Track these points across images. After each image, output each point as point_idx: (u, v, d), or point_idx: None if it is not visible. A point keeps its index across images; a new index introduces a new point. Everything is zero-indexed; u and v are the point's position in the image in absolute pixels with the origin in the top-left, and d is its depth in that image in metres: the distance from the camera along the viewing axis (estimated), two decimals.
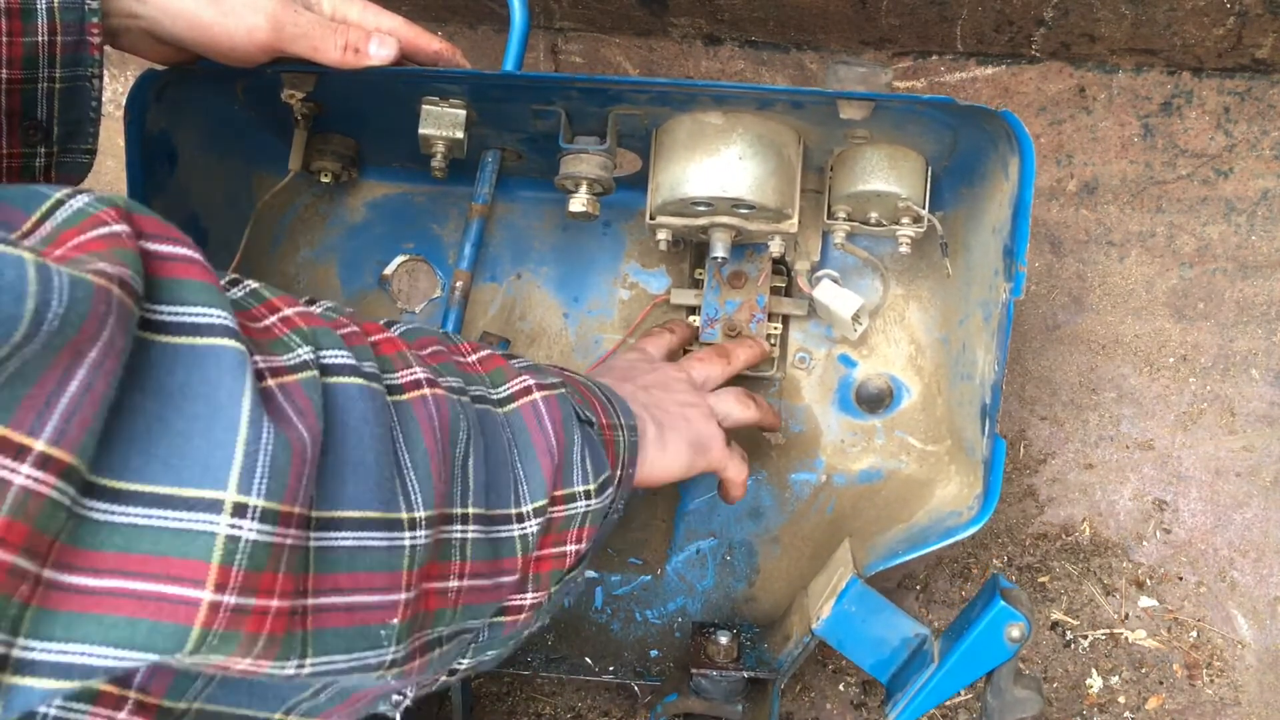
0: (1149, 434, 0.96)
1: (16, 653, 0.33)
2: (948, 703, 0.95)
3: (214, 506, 0.35)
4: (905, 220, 0.79)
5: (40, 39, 0.59)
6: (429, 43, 0.72)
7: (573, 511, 0.55)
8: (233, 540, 0.35)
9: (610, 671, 0.89)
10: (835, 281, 0.85)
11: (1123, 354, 0.97)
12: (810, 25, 0.95)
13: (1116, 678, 0.95)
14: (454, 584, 0.48)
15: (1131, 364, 0.97)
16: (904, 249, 0.80)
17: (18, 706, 0.34)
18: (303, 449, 0.38)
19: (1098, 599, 0.96)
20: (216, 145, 0.82)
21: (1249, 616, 0.94)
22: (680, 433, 0.70)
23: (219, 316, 0.37)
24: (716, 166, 0.73)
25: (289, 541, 0.38)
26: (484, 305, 0.92)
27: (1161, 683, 0.94)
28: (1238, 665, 0.94)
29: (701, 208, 0.76)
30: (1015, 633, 0.68)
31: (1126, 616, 0.95)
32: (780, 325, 0.88)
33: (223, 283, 0.42)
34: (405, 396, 0.46)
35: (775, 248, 0.79)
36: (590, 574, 0.92)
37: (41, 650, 0.33)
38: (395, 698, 0.52)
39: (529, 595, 0.54)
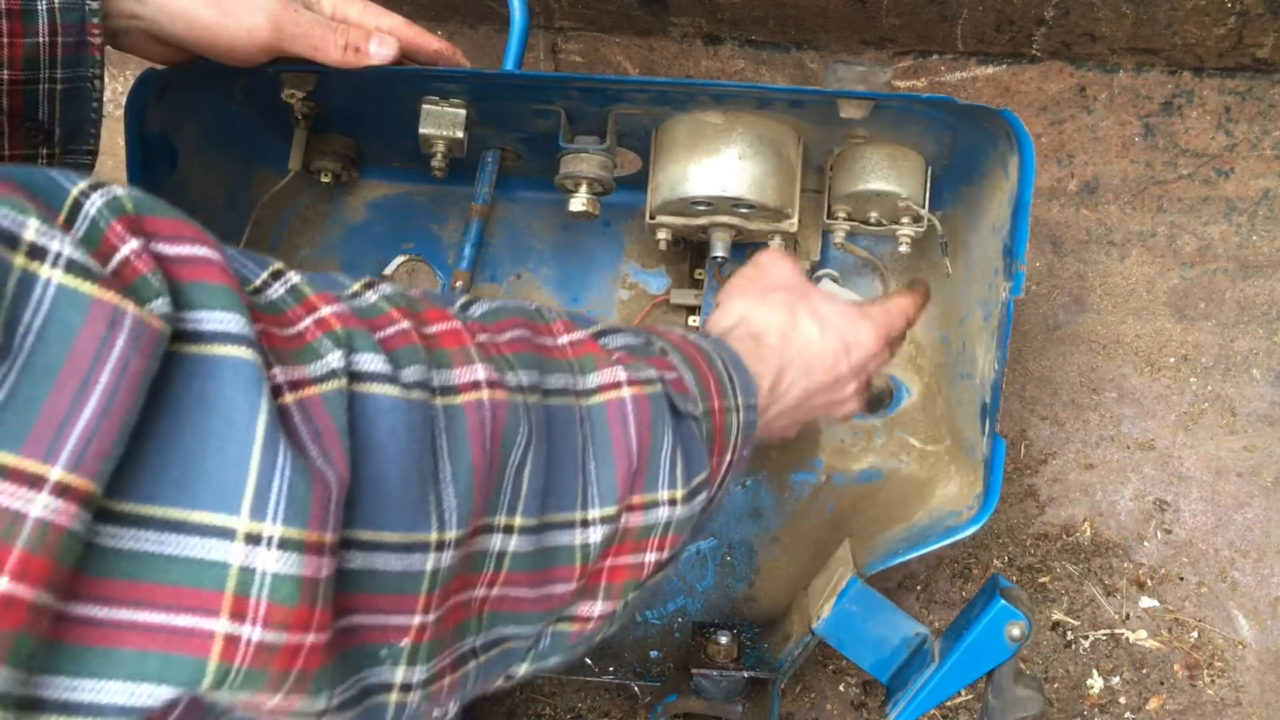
0: (1150, 434, 0.96)
1: (31, 691, 0.31)
2: (948, 703, 0.94)
3: (226, 534, 0.33)
4: (905, 220, 0.79)
5: (41, 40, 0.59)
6: (429, 42, 0.72)
7: (653, 520, 0.50)
8: (247, 571, 0.33)
9: (610, 672, 0.89)
10: (835, 281, 0.85)
11: (1123, 354, 0.97)
12: (810, 24, 0.95)
13: (1117, 678, 0.94)
14: (480, 593, 0.45)
15: (1132, 364, 0.97)
16: (904, 248, 0.80)
17: None
18: (322, 476, 0.36)
19: (1098, 599, 0.95)
20: (216, 145, 0.82)
21: (1250, 617, 0.94)
22: (812, 414, 0.67)
23: (236, 323, 0.35)
24: (716, 166, 0.73)
25: (324, 573, 0.35)
26: None
27: (1162, 683, 0.94)
28: (1238, 665, 0.94)
29: (701, 207, 0.76)
30: (1016, 632, 0.68)
31: (1127, 617, 0.95)
32: None
33: (265, 274, 0.40)
34: (459, 400, 0.43)
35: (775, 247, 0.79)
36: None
37: (52, 687, 0.32)
38: (436, 713, 0.48)
39: (599, 604, 0.51)
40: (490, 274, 0.92)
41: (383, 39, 0.68)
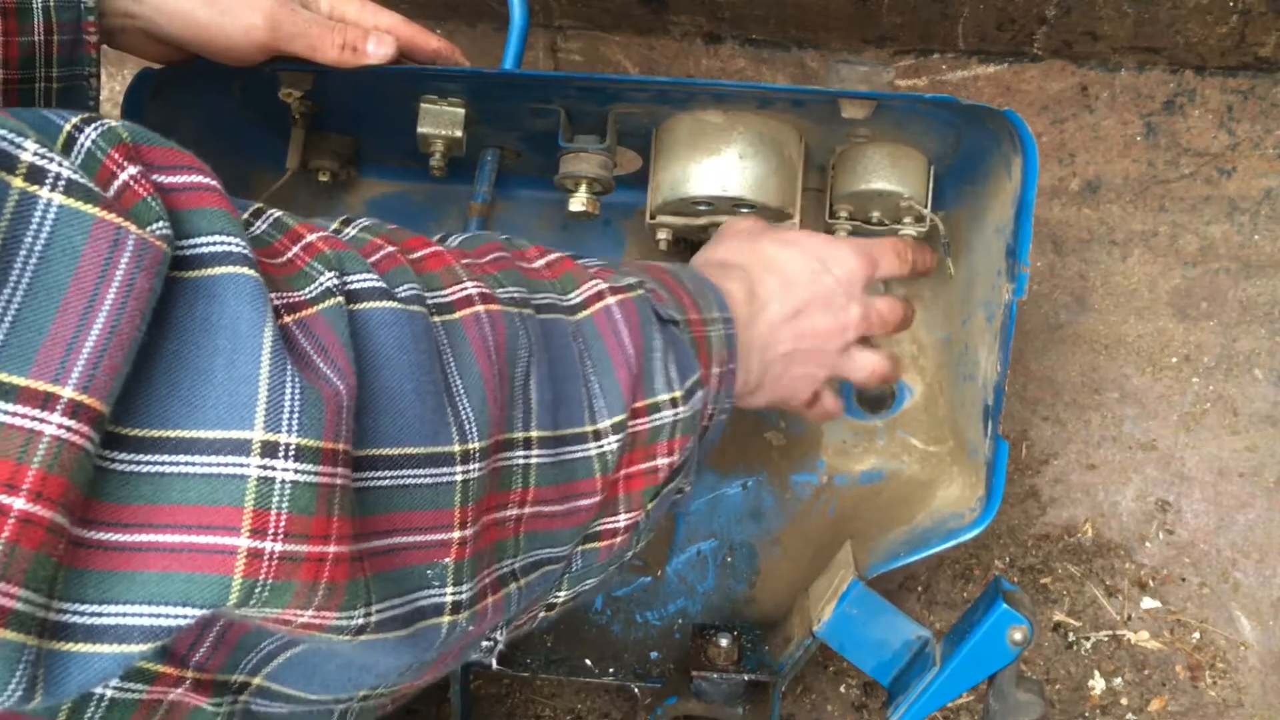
0: (1152, 434, 0.96)
1: (54, 616, 0.31)
2: (950, 705, 0.94)
3: (242, 448, 0.33)
4: (907, 220, 0.79)
5: (36, 39, 0.59)
6: (427, 41, 0.71)
7: (659, 422, 0.50)
8: (266, 482, 0.33)
9: (610, 673, 0.89)
10: None
11: (1125, 354, 0.97)
12: (811, 23, 0.95)
13: (1119, 679, 0.94)
14: (513, 512, 0.45)
15: (1134, 364, 0.97)
16: None
17: (69, 684, 0.31)
18: (333, 390, 0.35)
19: (1100, 600, 0.95)
20: (214, 144, 0.82)
21: (1252, 618, 0.94)
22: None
23: (236, 244, 0.35)
24: (717, 165, 0.73)
25: (339, 481, 0.35)
26: None
27: (1164, 684, 0.94)
28: (1241, 667, 0.93)
29: (702, 207, 0.76)
30: (1018, 635, 0.67)
31: (1129, 618, 0.95)
32: None
33: (247, 214, 0.41)
34: (455, 315, 0.43)
35: None
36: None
37: (75, 614, 0.31)
38: (485, 644, 0.48)
39: (621, 516, 0.50)
40: None
41: (380, 38, 0.68)
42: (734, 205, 0.75)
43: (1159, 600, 0.95)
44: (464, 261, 0.46)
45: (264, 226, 0.41)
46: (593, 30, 1.00)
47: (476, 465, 0.41)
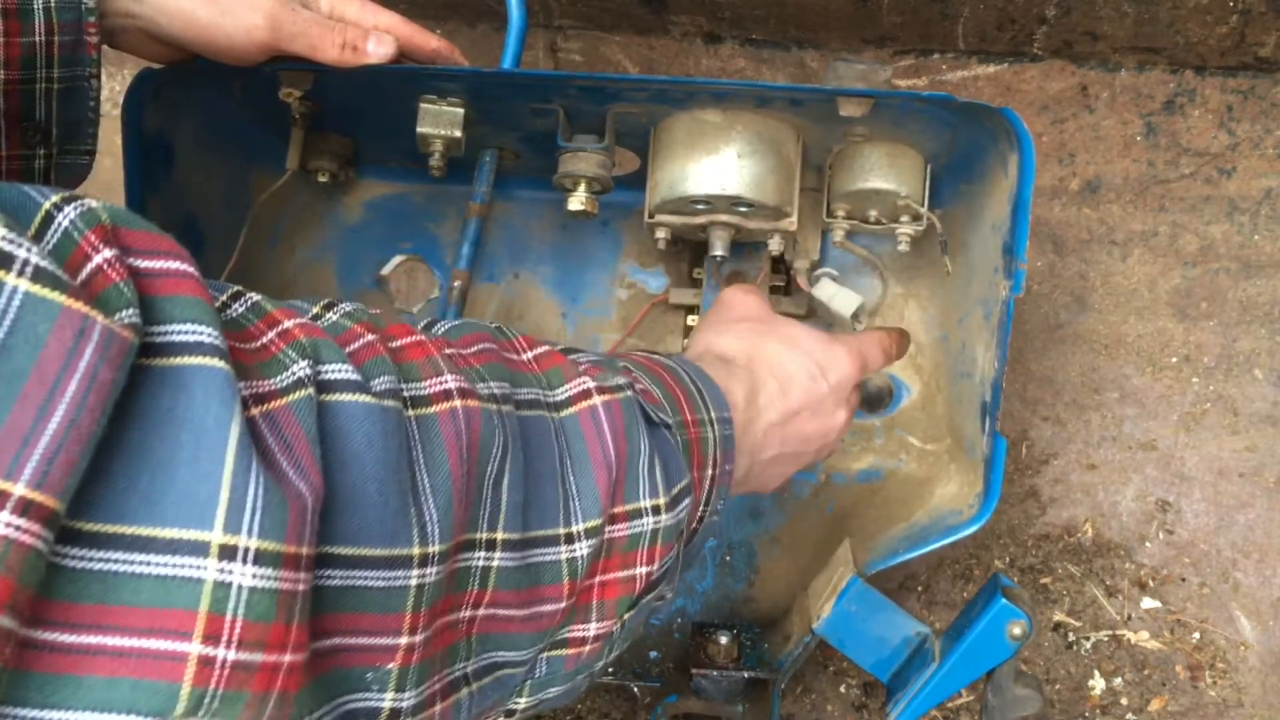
0: (1152, 434, 0.96)
1: None
2: (949, 704, 0.94)
3: (199, 549, 0.32)
4: (904, 218, 0.79)
5: (37, 39, 0.59)
6: (427, 40, 0.72)
7: (638, 530, 0.49)
8: (222, 586, 0.32)
9: (609, 673, 0.89)
10: (834, 280, 0.85)
11: (1125, 354, 0.97)
12: (811, 23, 0.95)
13: (1119, 679, 0.94)
14: (467, 614, 0.44)
15: (1134, 364, 0.97)
16: (903, 247, 0.80)
17: None
18: (299, 493, 0.34)
19: (1100, 600, 0.95)
20: (214, 144, 0.82)
21: (1252, 618, 0.94)
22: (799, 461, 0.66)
23: (208, 334, 0.34)
24: (715, 165, 0.73)
25: (301, 587, 0.34)
26: (482, 305, 0.92)
27: (1164, 684, 0.94)
28: (1241, 667, 0.93)
29: (700, 206, 0.76)
30: (1017, 630, 0.67)
31: (1129, 618, 0.95)
32: None
33: (225, 296, 0.39)
34: (431, 410, 0.41)
35: (774, 246, 0.79)
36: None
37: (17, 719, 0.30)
38: None
39: (593, 625, 0.49)
40: (488, 273, 0.92)
41: (381, 37, 0.68)
42: (732, 204, 0.75)
43: (1159, 600, 0.95)
44: (447, 352, 0.45)
45: (241, 309, 0.40)
46: (593, 30, 1.00)
47: (434, 569, 0.40)
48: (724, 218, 0.76)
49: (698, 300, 0.87)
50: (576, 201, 0.76)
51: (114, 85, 0.99)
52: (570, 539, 0.47)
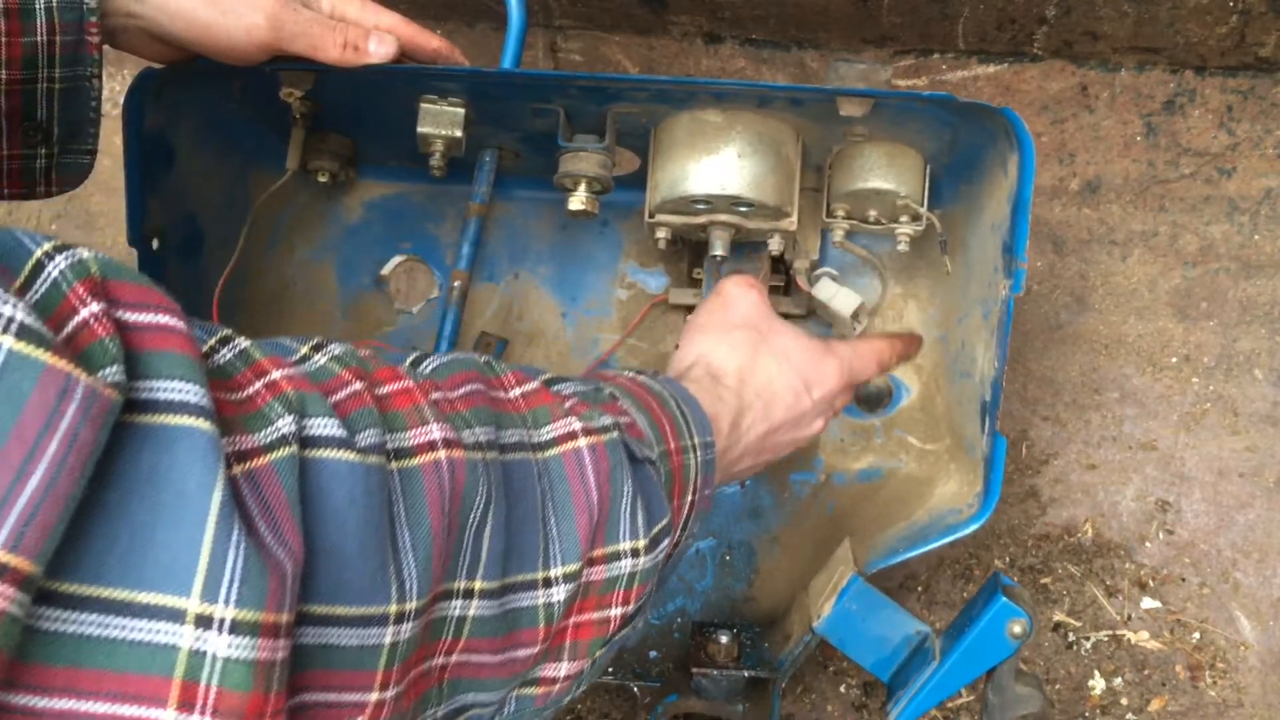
0: (1152, 434, 0.96)
1: None
2: (950, 704, 0.94)
3: (177, 615, 0.31)
4: (904, 218, 0.79)
5: (39, 39, 0.59)
6: (428, 40, 0.72)
7: (615, 573, 0.49)
8: (198, 655, 0.31)
9: (609, 673, 0.89)
10: (834, 280, 0.85)
11: (1125, 354, 0.97)
12: (811, 23, 0.95)
13: (1119, 679, 0.94)
14: (439, 661, 0.44)
15: (1134, 364, 0.97)
16: (903, 247, 0.80)
17: None
18: (279, 560, 0.34)
19: (1100, 600, 0.95)
20: (214, 144, 0.82)
21: (1252, 618, 0.94)
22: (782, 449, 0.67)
23: (195, 393, 0.33)
24: (715, 164, 0.73)
25: (280, 655, 0.34)
26: (482, 305, 0.92)
27: (1164, 684, 0.94)
28: (1241, 667, 0.93)
29: (700, 206, 0.76)
30: (1017, 629, 0.68)
31: (1129, 618, 0.95)
32: None
33: (213, 340, 0.39)
34: (415, 461, 0.41)
35: (774, 246, 0.79)
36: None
37: None
38: None
39: (565, 665, 0.49)
40: (488, 273, 0.92)
41: (382, 37, 0.68)
42: (732, 204, 0.75)
43: (1159, 600, 0.95)
44: (434, 397, 0.45)
45: (228, 356, 0.39)
46: (593, 30, 1.00)
47: (410, 624, 0.40)
48: (724, 217, 0.76)
49: (697, 300, 0.87)
50: (577, 201, 0.76)
51: (114, 85, 0.99)
52: (548, 583, 0.47)
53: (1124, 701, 0.94)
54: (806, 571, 0.85)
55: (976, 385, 0.77)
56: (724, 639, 0.82)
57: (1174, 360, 0.96)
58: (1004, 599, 0.68)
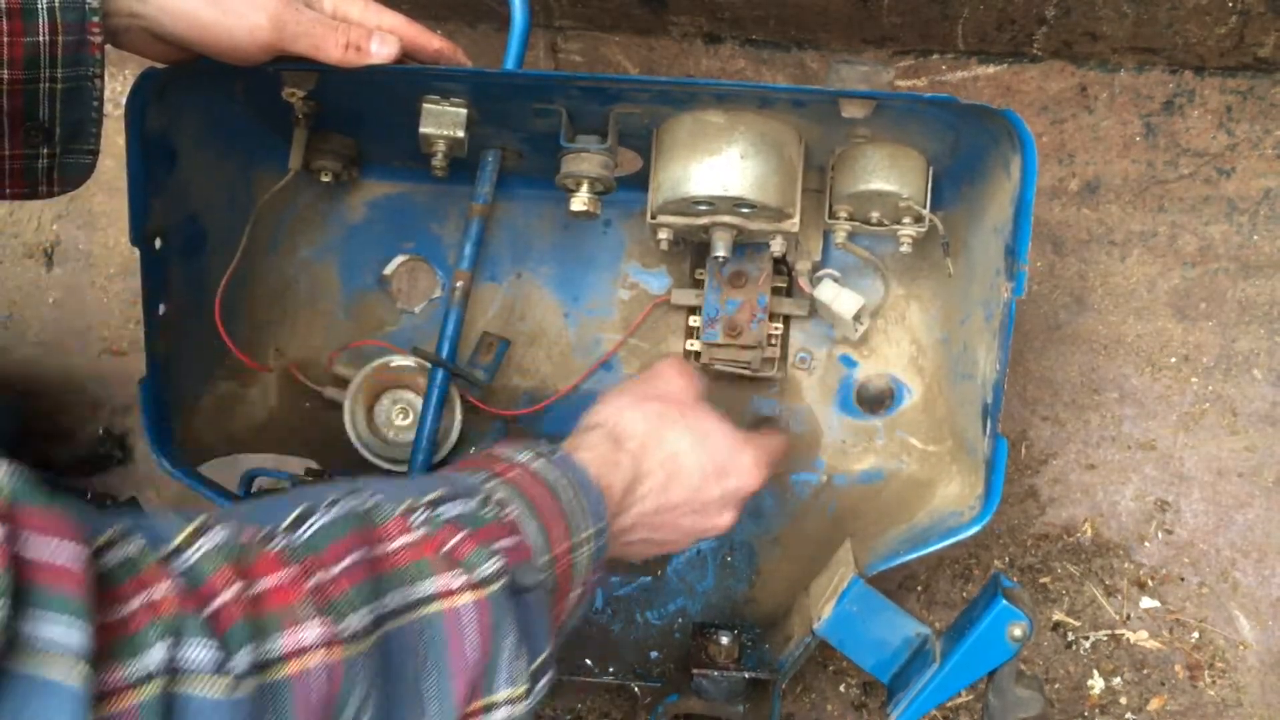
0: (1151, 434, 0.96)
1: None
2: (949, 704, 0.94)
3: None
4: (906, 219, 0.79)
5: (41, 39, 0.59)
6: (430, 41, 0.72)
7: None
8: None
9: (610, 673, 0.89)
10: (836, 281, 0.85)
11: (1124, 354, 0.97)
12: (811, 24, 0.95)
13: (1118, 679, 0.94)
14: None
15: (1133, 364, 0.97)
16: (905, 248, 0.80)
17: None
18: None
19: (1099, 600, 0.95)
20: (216, 144, 0.82)
21: (1251, 617, 0.94)
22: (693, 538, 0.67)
23: (76, 634, 0.33)
24: (718, 165, 0.73)
25: None
26: (484, 305, 0.92)
27: (1163, 684, 0.94)
28: (1240, 666, 0.94)
29: (703, 207, 0.76)
30: (1017, 631, 0.68)
31: (1128, 617, 0.95)
32: (781, 325, 0.88)
33: (104, 539, 0.39)
34: (283, 673, 0.41)
35: (776, 247, 0.79)
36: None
37: None
38: None
39: None
40: (490, 273, 0.92)
41: (384, 38, 0.68)
42: (734, 205, 0.75)
43: (1158, 600, 0.95)
44: (314, 582, 0.44)
45: (116, 561, 0.39)
46: (593, 31, 1.00)
47: None
48: (726, 219, 0.76)
49: (699, 301, 0.87)
50: (579, 202, 0.76)
51: (117, 85, 0.99)
52: None
53: (1123, 701, 0.94)
54: (807, 572, 0.85)
55: (978, 387, 0.77)
56: (725, 640, 0.82)
57: (1173, 360, 0.97)
58: (1004, 602, 0.68)
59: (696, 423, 0.67)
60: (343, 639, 0.43)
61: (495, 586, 0.50)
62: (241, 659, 0.39)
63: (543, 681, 0.52)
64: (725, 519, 0.68)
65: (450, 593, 0.48)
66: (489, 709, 0.49)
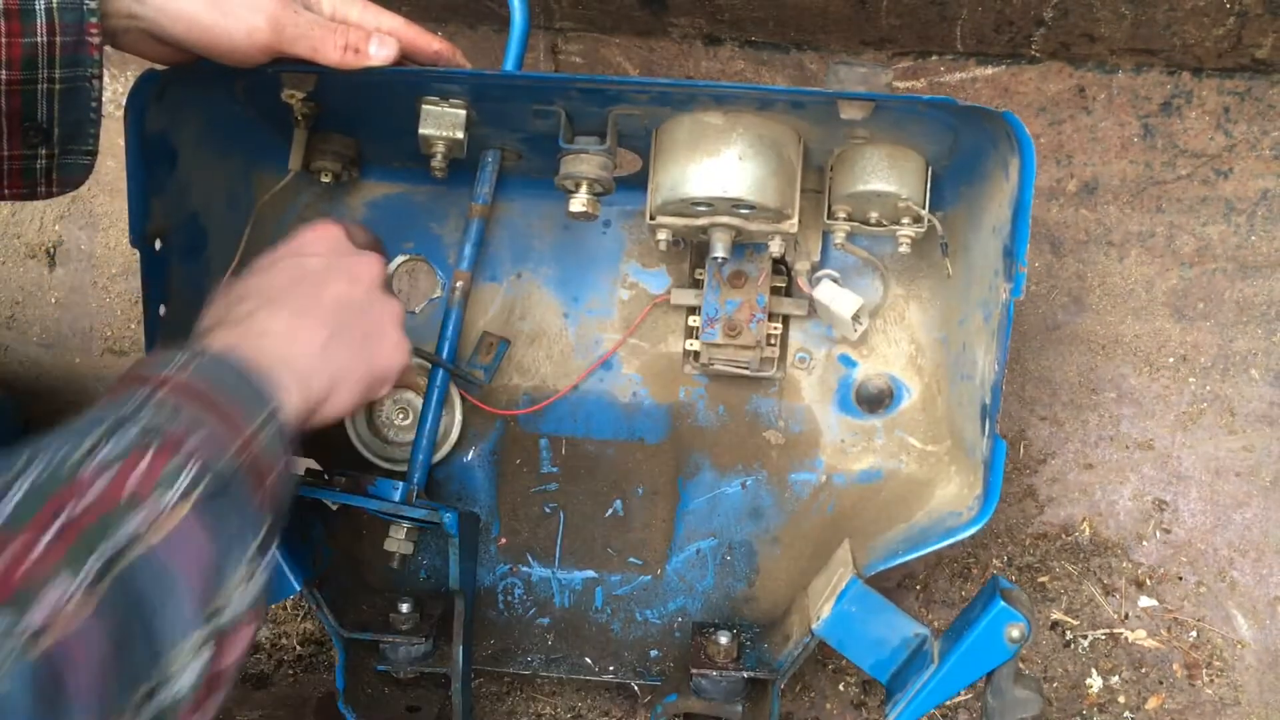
0: (1149, 434, 0.96)
1: None
2: (948, 703, 0.95)
3: None
4: (905, 220, 0.79)
5: (39, 40, 0.59)
6: (429, 43, 0.72)
7: (238, 607, 0.51)
8: None
9: (610, 671, 0.89)
10: (835, 281, 0.85)
11: (1122, 354, 0.97)
12: (810, 25, 0.95)
13: (1116, 677, 0.95)
14: None
15: (1131, 364, 0.97)
16: (904, 249, 0.80)
17: None
18: None
19: (1097, 599, 0.96)
20: (216, 145, 0.82)
21: (1249, 616, 0.95)
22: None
23: None
24: (717, 166, 0.73)
25: None
26: (484, 305, 0.92)
27: (1161, 682, 0.94)
28: (1237, 665, 0.94)
29: (702, 208, 0.76)
30: (1015, 633, 0.68)
31: (1126, 616, 0.95)
32: (780, 325, 0.88)
33: None
34: (31, 656, 0.40)
35: (775, 248, 0.79)
36: (589, 573, 0.92)
37: None
38: None
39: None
40: (490, 274, 0.92)
41: (383, 40, 0.68)
42: (733, 206, 0.75)
43: (1156, 599, 0.95)
44: (34, 555, 0.43)
45: None
46: (593, 32, 1.00)
47: None
48: (725, 219, 0.77)
49: (699, 301, 0.87)
50: (578, 203, 0.76)
51: (117, 87, 0.99)
52: (170, 679, 0.47)
53: (1121, 699, 0.94)
54: (806, 572, 0.85)
55: (977, 387, 0.77)
56: (724, 639, 0.82)
57: (1171, 360, 0.97)
58: (1002, 603, 0.68)
59: (297, 248, 0.67)
60: (73, 604, 0.43)
61: (196, 493, 0.50)
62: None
63: (267, 558, 0.54)
64: (363, 266, 0.66)
65: (160, 517, 0.48)
66: (233, 594, 0.50)
